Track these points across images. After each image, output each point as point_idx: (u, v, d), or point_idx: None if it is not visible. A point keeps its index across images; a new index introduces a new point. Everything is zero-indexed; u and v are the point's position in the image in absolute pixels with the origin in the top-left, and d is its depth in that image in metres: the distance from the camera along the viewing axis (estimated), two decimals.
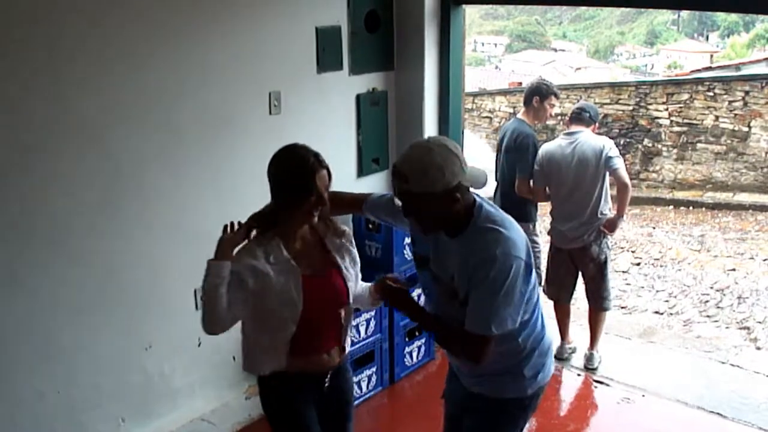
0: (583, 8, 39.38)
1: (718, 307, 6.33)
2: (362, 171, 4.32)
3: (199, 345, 3.71)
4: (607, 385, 4.21)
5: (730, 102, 10.73)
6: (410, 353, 4.23)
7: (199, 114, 3.50)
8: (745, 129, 10.68)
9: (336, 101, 4.11)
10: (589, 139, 4.21)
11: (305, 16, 3.86)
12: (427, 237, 2.24)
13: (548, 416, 3.88)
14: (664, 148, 11.32)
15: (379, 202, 2.50)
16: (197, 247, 3.49)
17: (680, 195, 10.96)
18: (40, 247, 3.03)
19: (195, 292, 3.58)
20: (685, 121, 11.10)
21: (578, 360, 4.45)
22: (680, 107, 11.11)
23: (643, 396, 4.07)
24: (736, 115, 10.72)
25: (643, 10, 32.95)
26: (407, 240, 4.06)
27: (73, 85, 3.01)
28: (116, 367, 3.37)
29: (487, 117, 12.93)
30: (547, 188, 4.34)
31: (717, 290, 6.78)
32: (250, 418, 3.72)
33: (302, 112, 3.91)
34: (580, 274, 4.41)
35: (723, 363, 4.62)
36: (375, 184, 4.41)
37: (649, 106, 11.33)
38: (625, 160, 4.35)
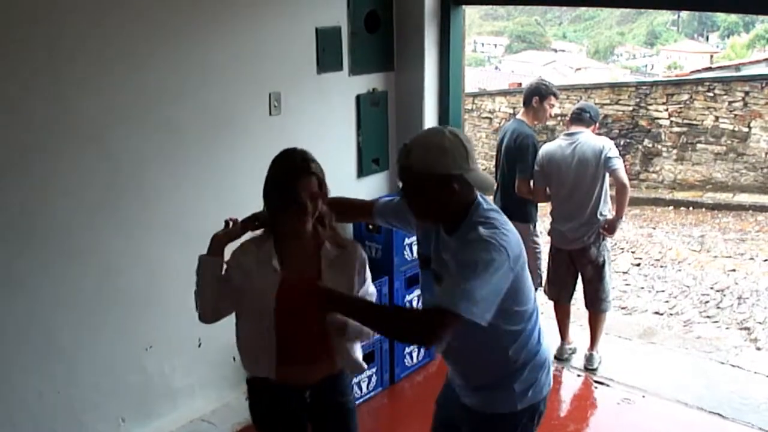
0: (583, 9, 39.41)
1: (718, 308, 6.33)
2: (362, 171, 4.32)
3: (199, 345, 3.71)
4: (607, 385, 4.21)
5: (730, 102, 10.73)
6: (410, 354, 4.23)
7: (199, 114, 3.50)
8: (745, 129, 10.69)
9: (336, 102, 4.11)
10: (589, 140, 4.21)
11: (305, 16, 3.86)
12: (425, 234, 2.22)
13: (548, 417, 3.84)
14: (664, 149, 11.32)
15: (388, 206, 2.47)
16: (197, 247, 3.50)
17: (680, 195, 10.96)
18: (40, 247, 3.03)
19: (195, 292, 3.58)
20: (685, 121, 11.10)
21: (578, 361, 4.45)
22: (680, 108, 11.11)
23: (644, 396, 4.07)
24: (736, 115, 10.72)
25: (642, 10, 32.94)
26: (407, 240, 4.06)
27: (73, 85, 3.01)
28: (116, 367, 3.37)
29: (487, 117, 12.94)
30: (547, 188, 4.34)
31: (717, 291, 6.78)
32: (249, 417, 3.71)
33: (302, 112, 3.91)
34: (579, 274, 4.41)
35: (723, 363, 4.62)
36: (375, 184, 4.41)
37: (649, 107, 11.33)
38: (625, 161, 4.36)
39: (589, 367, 4.38)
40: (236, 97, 3.63)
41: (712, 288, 6.87)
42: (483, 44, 42.94)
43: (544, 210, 4.75)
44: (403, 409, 4.06)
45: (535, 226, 4.52)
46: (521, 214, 4.34)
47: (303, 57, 3.89)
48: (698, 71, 14.88)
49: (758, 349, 5.42)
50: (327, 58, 3.98)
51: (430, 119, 4.40)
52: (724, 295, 6.64)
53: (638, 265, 7.78)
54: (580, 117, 4.31)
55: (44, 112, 2.94)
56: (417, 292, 4.15)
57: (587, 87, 12.48)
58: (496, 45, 43.22)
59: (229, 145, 3.63)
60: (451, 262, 2.03)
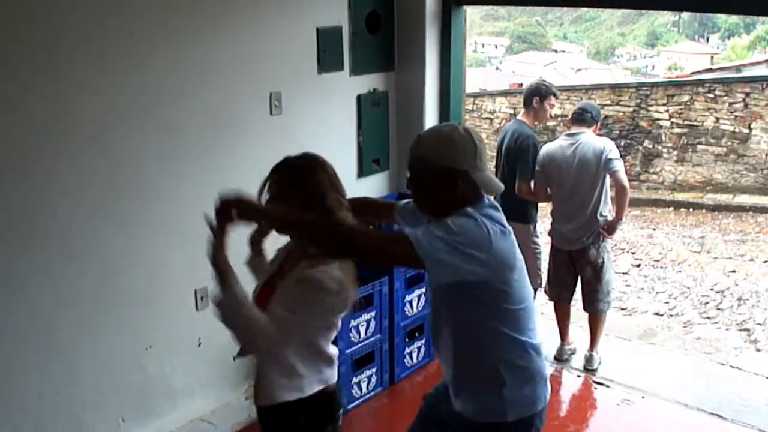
0: (584, 9, 39.44)
1: (718, 309, 6.33)
2: (362, 171, 4.33)
3: (199, 345, 3.71)
4: (607, 386, 4.21)
5: (730, 104, 10.73)
6: (410, 354, 4.23)
7: (200, 114, 3.50)
8: (746, 131, 10.69)
9: (337, 102, 4.12)
10: (590, 141, 4.21)
11: (306, 16, 3.86)
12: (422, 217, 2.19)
13: (548, 417, 3.84)
14: (665, 150, 11.32)
15: (407, 207, 2.41)
16: (197, 247, 3.50)
17: (680, 196, 10.96)
18: (40, 246, 3.03)
19: (195, 292, 3.59)
20: (686, 122, 11.10)
21: (578, 361, 4.45)
22: (681, 109, 11.11)
23: (643, 397, 4.07)
24: (736, 116, 10.72)
25: (643, 11, 32.96)
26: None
27: (73, 85, 3.01)
28: (116, 367, 3.37)
29: (487, 118, 12.94)
30: (548, 189, 4.34)
31: (717, 292, 6.78)
32: (250, 418, 3.71)
33: (303, 112, 3.91)
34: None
35: (723, 364, 4.62)
36: (375, 184, 4.42)
37: (650, 108, 11.33)
38: (625, 162, 4.36)
39: (588, 368, 4.38)
40: (237, 96, 3.63)
41: (712, 289, 6.87)
42: (484, 45, 42.97)
43: (544, 211, 4.76)
44: (403, 409, 4.05)
45: (535, 227, 4.52)
46: (521, 214, 4.34)
47: (304, 57, 3.89)
48: (699, 72, 14.87)
49: (758, 350, 5.42)
50: (328, 58, 3.98)
51: (430, 119, 4.40)
52: (724, 297, 6.64)
53: (638, 266, 7.78)
54: (582, 117, 4.31)
55: (44, 111, 2.94)
56: (417, 292, 4.15)
57: (588, 88, 12.48)
58: (496, 45, 43.24)
59: (230, 145, 3.63)
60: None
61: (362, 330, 3.89)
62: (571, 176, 4.20)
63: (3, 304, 2.95)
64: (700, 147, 11.05)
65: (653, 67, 36.84)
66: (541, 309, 5.09)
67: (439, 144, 2.05)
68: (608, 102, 11.47)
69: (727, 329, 5.89)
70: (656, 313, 6.29)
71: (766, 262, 7.83)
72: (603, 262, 4.30)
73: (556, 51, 40.91)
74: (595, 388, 4.22)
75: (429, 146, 2.07)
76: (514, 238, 2.09)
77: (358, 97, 4.22)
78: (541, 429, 2.23)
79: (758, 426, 3.73)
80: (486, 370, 2.13)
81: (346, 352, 3.74)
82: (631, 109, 11.47)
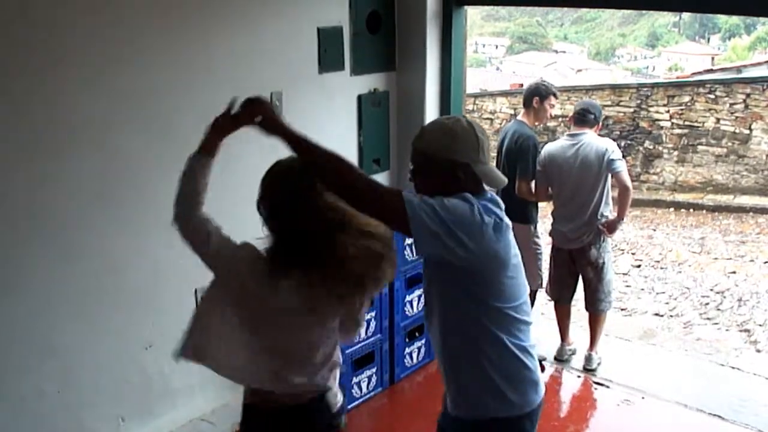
0: (585, 10, 39.44)
1: (719, 310, 6.34)
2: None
3: None
4: (607, 386, 4.21)
5: (731, 104, 10.74)
6: (410, 354, 4.23)
7: (200, 113, 3.47)
8: (746, 131, 10.70)
9: (337, 102, 4.11)
10: (592, 141, 4.22)
11: (307, 16, 3.86)
12: None
13: (548, 418, 3.87)
14: (665, 150, 11.33)
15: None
16: None
17: (681, 197, 10.97)
18: (39, 246, 3.03)
19: (195, 291, 3.58)
20: (686, 123, 11.11)
21: (578, 362, 4.45)
22: (681, 109, 11.12)
23: (643, 398, 4.07)
24: (737, 117, 10.73)
25: (644, 12, 32.96)
26: (407, 240, 4.05)
27: (73, 85, 3.01)
28: (116, 366, 3.37)
29: (488, 118, 12.94)
30: (548, 189, 4.34)
31: (717, 293, 6.78)
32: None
33: (304, 112, 3.91)
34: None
35: (723, 365, 4.62)
36: None
37: (650, 108, 11.34)
38: (626, 162, 4.35)
39: (587, 368, 4.38)
40: (238, 96, 3.62)
41: (712, 290, 6.88)
42: (484, 45, 42.97)
43: (544, 211, 4.75)
44: (403, 409, 4.06)
45: (535, 228, 4.52)
46: (522, 215, 4.34)
47: (305, 57, 3.89)
48: (699, 73, 14.86)
49: (758, 351, 5.43)
50: (328, 58, 3.98)
51: (431, 119, 4.39)
52: (724, 297, 6.64)
53: (638, 266, 7.79)
54: (584, 119, 4.30)
55: (44, 111, 2.94)
56: (417, 292, 4.15)
57: (588, 88, 12.50)
58: (497, 46, 43.25)
59: (230, 145, 3.62)
60: None
61: (362, 330, 3.89)
62: (573, 177, 4.20)
63: (3, 304, 2.95)
64: (700, 148, 11.05)
65: (654, 68, 36.84)
66: (541, 309, 5.09)
67: (442, 137, 2.06)
68: (609, 102, 11.48)
69: (727, 330, 5.89)
70: (656, 314, 6.29)
71: (766, 263, 7.83)
72: (604, 262, 4.31)
73: (556, 51, 40.91)
74: (595, 389, 4.22)
75: (431, 139, 2.08)
76: (512, 234, 2.07)
77: (359, 97, 4.22)
78: None
79: (758, 427, 3.73)
80: (470, 362, 2.10)
81: (347, 352, 3.74)
82: (631, 110, 11.48)
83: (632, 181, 4.27)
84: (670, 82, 12.28)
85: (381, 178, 4.44)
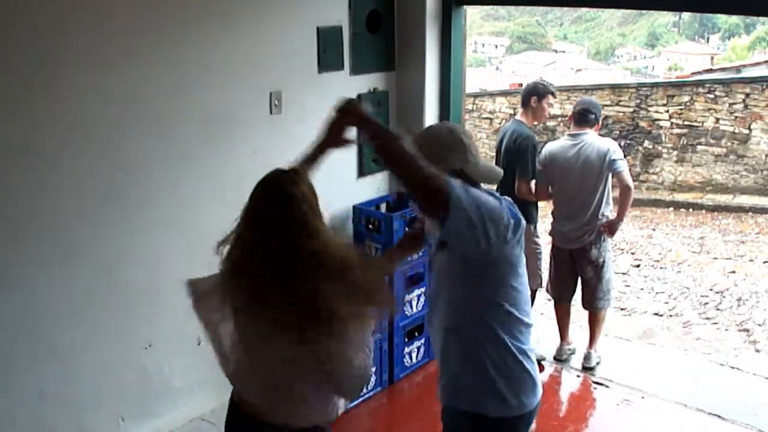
0: (584, 9, 39.41)
1: (718, 309, 6.33)
2: (362, 171, 4.32)
3: (198, 344, 3.70)
4: (607, 386, 4.21)
5: (730, 104, 10.73)
6: (410, 354, 4.23)
7: (200, 113, 3.50)
8: (746, 131, 10.69)
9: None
10: (594, 142, 4.22)
11: (306, 16, 3.86)
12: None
13: (547, 418, 3.88)
14: (665, 150, 11.33)
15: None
16: (197, 246, 3.50)
17: (680, 197, 10.96)
18: (39, 245, 3.03)
19: None
20: (686, 123, 11.10)
21: (577, 361, 4.46)
22: (681, 109, 11.11)
23: (643, 398, 4.07)
24: (736, 117, 10.72)
25: (644, 12, 32.96)
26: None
27: (74, 85, 3.01)
28: (116, 366, 3.37)
29: (487, 118, 12.93)
30: (549, 188, 4.34)
31: (717, 292, 6.78)
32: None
33: (303, 111, 3.91)
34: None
35: (722, 365, 4.63)
36: (375, 184, 4.42)
37: (650, 108, 11.34)
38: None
39: (586, 366, 4.38)
40: (237, 96, 3.63)
41: (711, 290, 6.87)
42: (484, 45, 42.93)
43: (544, 211, 4.75)
44: (403, 409, 4.07)
45: (535, 227, 4.52)
46: (522, 215, 4.33)
47: (304, 56, 3.89)
48: (699, 73, 14.85)
49: (757, 350, 5.43)
50: (328, 58, 3.98)
51: (430, 119, 4.40)
52: (724, 297, 6.64)
53: (638, 266, 7.78)
54: (585, 118, 4.30)
55: (44, 110, 2.94)
56: (417, 292, 4.15)
57: (588, 88, 12.49)
58: (496, 46, 43.21)
59: (230, 145, 3.63)
60: None
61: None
62: (575, 177, 4.21)
63: (3, 303, 2.95)
64: (699, 147, 11.05)
65: (653, 68, 36.81)
66: (540, 309, 5.10)
67: (433, 147, 2.06)
68: (608, 102, 11.47)
69: (726, 330, 5.89)
70: (656, 314, 6.29)
71: (765, 262, 7.83)
72: (604, 261, 4.31)
73: (556, 51, 40.88)
74: (595, 389, 4.22)
75: (427, 147, 2.05)
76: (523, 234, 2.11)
77: (359, 97, 4.22)
78: None
79: (757, 426, 3.73)
80: (472, 361, 2.12)
81: None
82: (631, 110, 11.48)
83: (632, 180, 4.27)
84: (670, 82, 12.27)
85: (381, 177, 4.45)
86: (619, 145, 4.42)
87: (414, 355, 4.27)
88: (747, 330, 5.83)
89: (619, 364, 4.43)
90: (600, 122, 4.42)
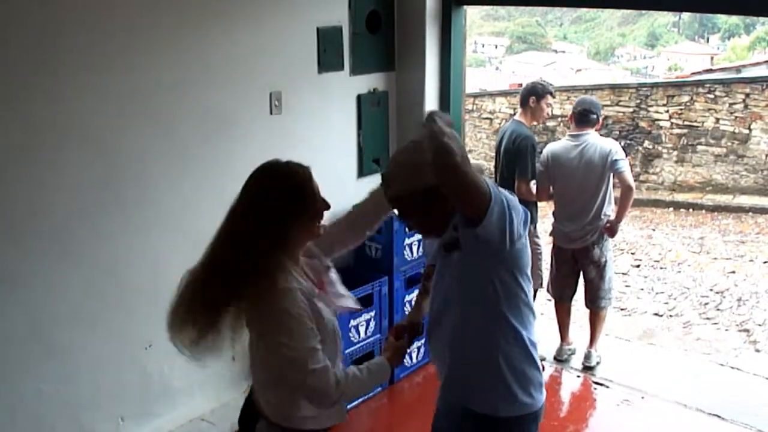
0: (584, 10, 39.39)
1: (718, 310, 6.33)
2: (362, 171, 4.32)
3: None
4: (607, 386, 4.21)
5: (730, 104, 10.73)
6: (410, 354, 4.22)
7: (200, 113, 3.50)
8: (746, 131, 10.69)
9: (337, 101, 4.11)
10: (596, 142, 4.22)
11: (306, 16, 3.86)
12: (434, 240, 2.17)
13: (547, 418, 3.84)
14: (665, 150, 11.32)
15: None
16: (197, 246, 3.49)
17: (680, 197, 10.96)
18: (39, 245, 3.03)
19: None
20: (686, 123, 11.10)
21: (578, 362, 4.46)
22: (681, 109, 11.11)
23: (643, 398, 4.07)
24: (736, 117, 10.72)
25: (644, 12, 32.95)
26: (407, 240, 4.06)
27: (74, 85, 3.01)
28: (116, 366, 3.37)
29: (487, 118, 12.93)
30: (550, 188, 4.34)
31: (717, 292, 6.78)
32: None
33: (303, 112, 3.91)
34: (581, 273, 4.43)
35: (722, 365, 4.63)
36: (375, 184, 4.40)
37: (650, 108, 11.33)
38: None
39: (587, 364, 4.38)
40: (237, 96, 3.63)
41: (711, 290, 6.87)
42: (484, 45, 42.92)
43: (544, 211, 4.75)
44: (403, 410, 4.06)
45: (535, 227, 4.52)
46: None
47: (304, 56, 3.89)
48: (699, 73, 14.85)
49: (757, 351, 5.42)
50: (328, 58, 3.98)
51: None
52: (724, 297, 6.63)
53: (638, 266, 7.78)
54: (587, 119, 4.29)
55: (43, 109, 2.94)
56: (416, 292, 4.14)
57: (588, 88, 12.48)
58: (496, 46, 43.20)
59: (230, 145, 3.63)
60: None
61: (362, 330, 3.89)
62: (577, 177, 4.21)
63: (3, 303, 2.95)
64: (699, 147, 11.04)
65: (653, 68, 36.79)
66: (540, 309, 5.09)
67: (408, 172, 2.01)
68: (608, 102, 11.47)
69: (726, 330, 5.88)
70: (656, 314, 6.29)
71: (765, 262, 7.83)
72: (606, 260, 4.32)
73: (556, 51, 40.87)
74: (595, 389, 4.22)
75: (400, 180, 2.03)
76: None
77: (359, 97, 4.22)
78: None
79: (757, 427, 3.73)
80: (484, 359, 2.10)
81: (346, 352, 3.74)
82: (631, 110, 11.47)
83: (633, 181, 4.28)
84: (670, 82, 12.26)
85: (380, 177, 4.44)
86: (620, 145, 4.42)
87: (414, 356, 4.26)
88: (747, 330, 5.82)
89: (619, 365, 4.43)
90: (600, 121, 4.42)
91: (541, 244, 4.63)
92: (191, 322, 2.03)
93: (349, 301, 2.25)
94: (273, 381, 2.07)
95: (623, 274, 7.36)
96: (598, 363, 4.40)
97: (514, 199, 2.02)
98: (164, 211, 3.43)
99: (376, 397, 4.02)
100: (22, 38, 2.83)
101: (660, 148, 11.34)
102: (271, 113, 3.77)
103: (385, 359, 2.13)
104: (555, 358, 4.48)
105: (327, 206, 2.10)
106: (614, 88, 11.97)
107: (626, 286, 7.04)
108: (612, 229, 4.26)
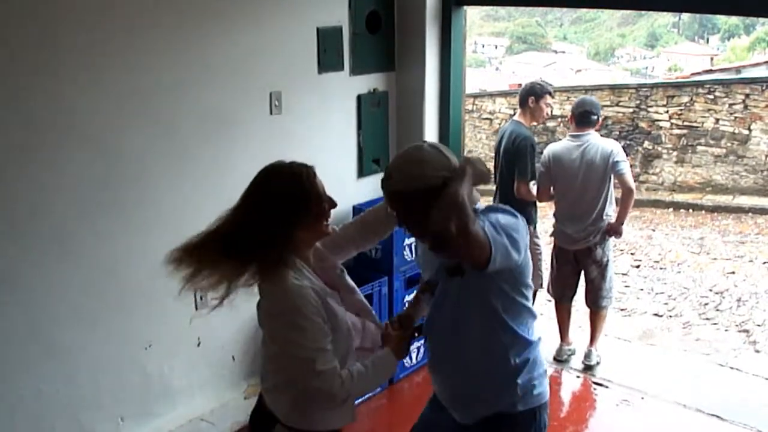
0: (584, 10, 39.38)
1: (718, 310, 6.33)
2: (362, 171, 4.33)
3: (198, 345, 3.71)
4: (606, 387, 4.21)
5: (730, 105, 10.73)
6: (409, 354, 4.22)
7: (200, 113, 3.50)
8: (746, 132, 10.69)
9: (337, 102, 4.12)
10: (597, 143, 4.22)
11: (306, 16, 3.86)
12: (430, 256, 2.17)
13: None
14: (664, 151, 11.32)
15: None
16: None
17: (680, 198, 10.96)
18: (39, 245, 3.03)
19: (194, 291, 3.57)
20: (686, 123, 11.10)
21: (577, 362, 4.46)
22: (680, 110, 11.11)
23: (642, 398, 4.07)
24: (736, 117, 10.72)
25: (643, 12, 32.95)
26: (407, 241, 4.05)
27: (74, 85, 3.01)
28: (116, 366, 3.37)
29: (487, 118, 12.94)
30: (551, 189, 4.34)
31: (716, 293, 6.78)
32: (248, 418, 3.71)
33: (303, 112, 3.91)
34: (582, 273, 4.43)
35: (722, 365, 4.62)
36: (375, 184, 4.39)
37: (650, 109, 11.33)
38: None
39: (586, 363, 4.39)
40: (237, 96, 3.63)
41: (711, 290, 6.87)
42: (483, 45, 42.91)
43: (544, 211, 4.75)
44: (403, 410, 4.06)
45: (535, 228, 4.52)
46: (521, 216, 4.33)
47: (304, 57, 3.89)
48: (698, 73, 14.84)
49: (757, 351, 5.42)
50: (328, 58, 3.98)
51: (430, 119, 4.40)
52: (724, 298, 6.63)
53: (638, 266, 7.78)
54: (588, 120, 4.29)
55: (43, 109, 2.94)
56: (414, 294, 4.14)
57: (587, 88, 12.48)
58: (496, 46, 43.19)
59: (229, 145, 3.63)
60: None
61: None
62: (579, 178, 4.21)
63: (3, 303, 2.95)
64: (699, 148, 11.05)
65: (653, 68, 36.78)
66: (540, 310, 5.09)
67: (412, 169, 1.99)
68: (608, 103, 11.47)
69: (726, 330, 5.88)
70: (655, 314, 6.29)
71: (765, 263, 7.83)
72: (607, 260, 4.32)
73: (555, 52, 40.86)
74: (594, 389, 4.22)
75: (402, 176, 2.01)
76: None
77: (358, 97, 4.22)
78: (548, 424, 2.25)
79: (757, 427, 3.73)
80: (495, 366, 2.14)
81: None
82: (630, 110, 11.47)
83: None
84: (670, 83, 12.27)
85: (380, 178, 4.43)
86: (620, 145, 4.42)
87: (414, 356, 4.26)
88: (747, 331, 5.82)
89: (618, 365, 4.43)
90: (600, 121, 4.43)
91: (540, 245, 4.63)
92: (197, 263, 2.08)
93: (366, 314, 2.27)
94: (285, 382, 2.09)
95: (623, 274, 7.36)
96: (598, 362, 4.41)
97: (514, 223, 1.99)
98: (164, 211, 3.43)
99: (376, 397, 4.02)
100: (22, 38, 2.83)
101: (660, 148, 11.34)
102: (271, 113, 3.77)
103: (390, 350, 2.14)
104: (555, 359, 4.48)
105: (334, 204, 2.11)
106: (614, 88, 11.97)
107: (626, 286, 7.04)
108: (616, 231, 4.26)
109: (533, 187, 4.36)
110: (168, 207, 3.45)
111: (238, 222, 2.01)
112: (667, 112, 11.21)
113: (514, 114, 4.62)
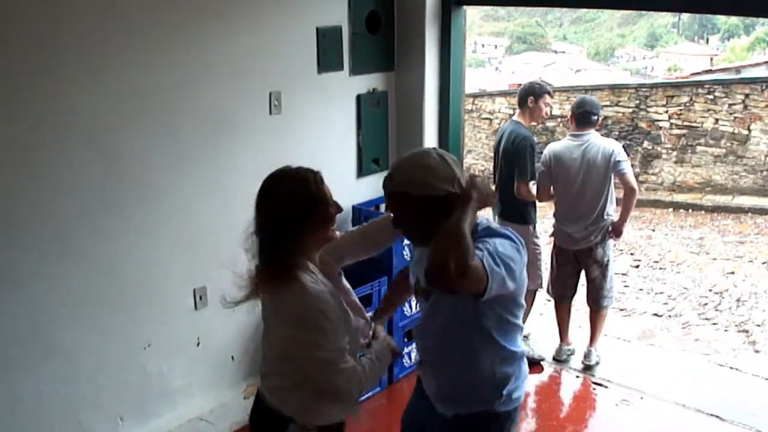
0: (584, 10, 39.38)
1: (717, 310, 6.34)
2: (362, 171, 4.33)
3: (198, 345, 3.71)
4: (606, 387, 4.21)
5: (730, 105, 10.73)
6: (409, 354, 4.23)
7: (200, 113, 3.50)
8: (745, 132, 10.69)
9: (336, 101, 4.12)
10: (598, 142, 4.22)
11: (306, 16, 3.87)
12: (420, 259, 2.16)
13: (546, 418, 3.89)
14: (664, 151, 11.33)
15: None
16: (197, 246, 3.51)
17: (680, 198, 10.96)
18: (39, 245, 3.03)
19: (194, 291, 3.58)
20: (685, 123, 11.11)
21: (577, 362, 4.46)
22: (680, 110, 11.11)
23: (642, 398, 4.07)
24: (735, 118, 10.73)
25: (643, 12, 32.95)
26: (406, 240, 4.05)
27: (74, 85, 3.01)
28: (115, 366, 3.37)
29: (487, 118, 12.94)
30: (551, 189, 4.34)
31: (716, 293, 6.78)
32: (248, 417, 3.71)
33: (303, 112, 3.91)
34: (582, 273, 4.43)
35: (721, 365, 4.62)
36: (375, 184, 4.41)
37: (649, 109, 11.34)
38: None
39: (586, 363, 4.39)
40: (237, 96, 3.63)
41: (710, 290, 6.88)
42: (483, 45, 42.92)
43: (544, 211, 4.75)
44: (402, 410, 4.06)
45: (535, 228, 4.52)
46: (521, 216, 4.34)
47: (304, 57, 3.90)
48: (698, 73, 14.85)
49: (756, 351, 5.43)
50: (328, 58, 3.98)
51: (430, 119, 4.40)
52: (723, 298, 6.64)
53: (637, 266, 7.79)
54: (588, 120, 4.29)
55: (43, 110, 2.94)
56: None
57: (587, 88, 12.48)
58: (496, 46, 43.20)
59: (229, 145, 3.63)
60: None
61: None
62: (580, 178, 4.21)
63: (3, 303, 2.95)
64: (699, 148, 11.05)
65: (653, 68, 36.78)
66: (540, 309, 5.10)
67: (416, 173, 1.98)
68: (608, 103, 11.48)
69: (725, 330, 5.89)
70: (655, 314, 6.29)
71: (764, 263, 7.83)
72: (608, 259, 4.33)
73: (555, 52, 40.88)
74: (594, 389, 4.22)
75: (405, 179, 2.00)
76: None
77: (358, 97, 4.22)
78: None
79: (756, 427, 3.73)
80: (485, 372, 2.14)
81: None
82: (630, 110, 11.48)
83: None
84: (669, 83, 12.27)
85: (380, 177, 4.43)
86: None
87: (413, 356, 4.26)
88: (746, 331, 5.83)
89: (618, 365, 4.44)
90: (600, 121, 4.43)
91: (540, 245, 4.63)
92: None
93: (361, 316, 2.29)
94: (296, 382, 2.10)
95: (623, 274, 7.37)
96: (597, 362, 4.41)
97: (513, 250, 1.94)
98: (164, 210, 3.44)
99: (375, 397, 4.02)
100: (22, 38, 2.83)
101: (659, 148, 11.35)
102: (270, 113, 3.77)
103: (387, 342, 2.25)
104: (554, 359, 4.48)
105: (340, 209, 2.14)
106: (614, 88, 11.98)
107: (625, 286, 7.04)
108: (618, 231, 4.26)
109: (533, 187, 4.36)
110: (168, 207, 3.45)
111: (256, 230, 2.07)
112: (667, 112, 11.21)
113: (514, 114, 4.62)
